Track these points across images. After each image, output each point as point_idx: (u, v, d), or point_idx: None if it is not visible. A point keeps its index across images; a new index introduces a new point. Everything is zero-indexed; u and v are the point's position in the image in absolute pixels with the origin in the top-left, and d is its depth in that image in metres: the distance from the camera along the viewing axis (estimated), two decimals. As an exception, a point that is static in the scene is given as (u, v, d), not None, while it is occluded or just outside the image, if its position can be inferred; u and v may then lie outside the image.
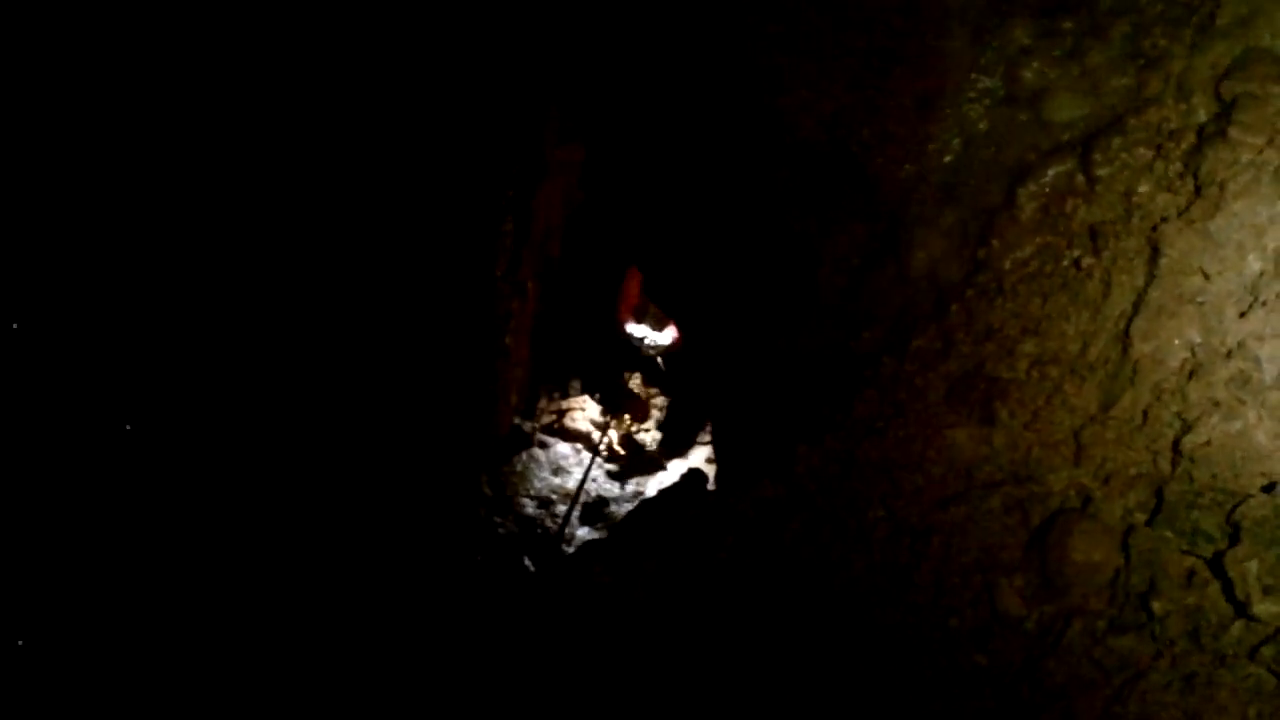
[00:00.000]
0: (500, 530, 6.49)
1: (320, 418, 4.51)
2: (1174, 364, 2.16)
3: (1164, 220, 2.27)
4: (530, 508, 6.61)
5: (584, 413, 8.27)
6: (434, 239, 5.22)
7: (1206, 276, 2.16)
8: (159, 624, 3.39)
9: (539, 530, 6.35)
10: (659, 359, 8.73)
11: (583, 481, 6.73)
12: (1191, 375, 2.12)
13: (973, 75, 2.69)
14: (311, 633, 3.85)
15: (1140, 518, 2.08)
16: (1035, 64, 2.60)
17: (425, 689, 3.71)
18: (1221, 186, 2.16)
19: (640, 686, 2.74)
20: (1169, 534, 1.99)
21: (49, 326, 3.05)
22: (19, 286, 2.98)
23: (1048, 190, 2.54)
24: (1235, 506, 1.91)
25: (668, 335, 8.60)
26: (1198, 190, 2.21)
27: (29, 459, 2.99)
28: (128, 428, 3.35)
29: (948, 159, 2.77)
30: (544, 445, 7.72)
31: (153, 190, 3.39)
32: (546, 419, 8.12)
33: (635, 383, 8.94)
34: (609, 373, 8.78)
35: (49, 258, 3.07)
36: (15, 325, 2.99)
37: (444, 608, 5.00)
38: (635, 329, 8.59)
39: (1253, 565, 1.79)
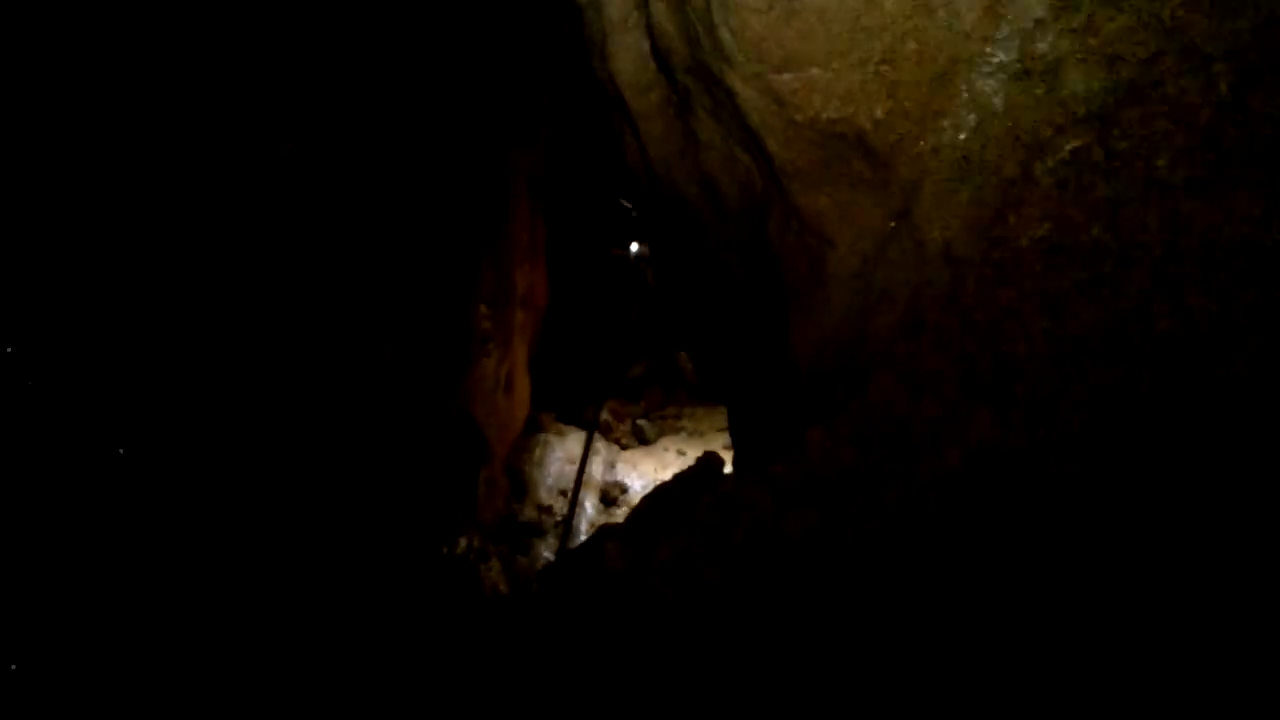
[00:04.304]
0: (519, 518, 6.50)
1: (336, 416, 4.51)
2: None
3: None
4: (545, 496, 6.62)
5: (598, 404, 8.26)
6: (433, 244, 5.22)
7: (1228, 250, 2.11)
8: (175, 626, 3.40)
9: (555, 516, 6.35)
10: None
11: (583, 463, 6.72)
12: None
13: (987, 50, 2.64)
14: (320, 628, 3.86)
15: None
16: (1050, 37, 2.54)
17: (440, 685, 3.70)
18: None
19: (653, 677, 2.72)
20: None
21: (47, 342, 3.04)
22: (17, 302, 2.97)
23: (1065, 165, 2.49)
24: None
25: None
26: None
27: (29, 472, 2.99)
28: (122, 450, 3.33)
29: (963, 135, 2.73)
30: (560, 434, 7.73)
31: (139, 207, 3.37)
32: (562, 410, 8.13)
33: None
34: (621, 361, 8.79)
35: (47, 270, 3.06)
36: (9, 349, 2.98)
37: (461, 599, 5.00)
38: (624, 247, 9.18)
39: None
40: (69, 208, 3.11)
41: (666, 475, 7.09)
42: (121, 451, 3.23)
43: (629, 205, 8.96)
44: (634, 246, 9.42)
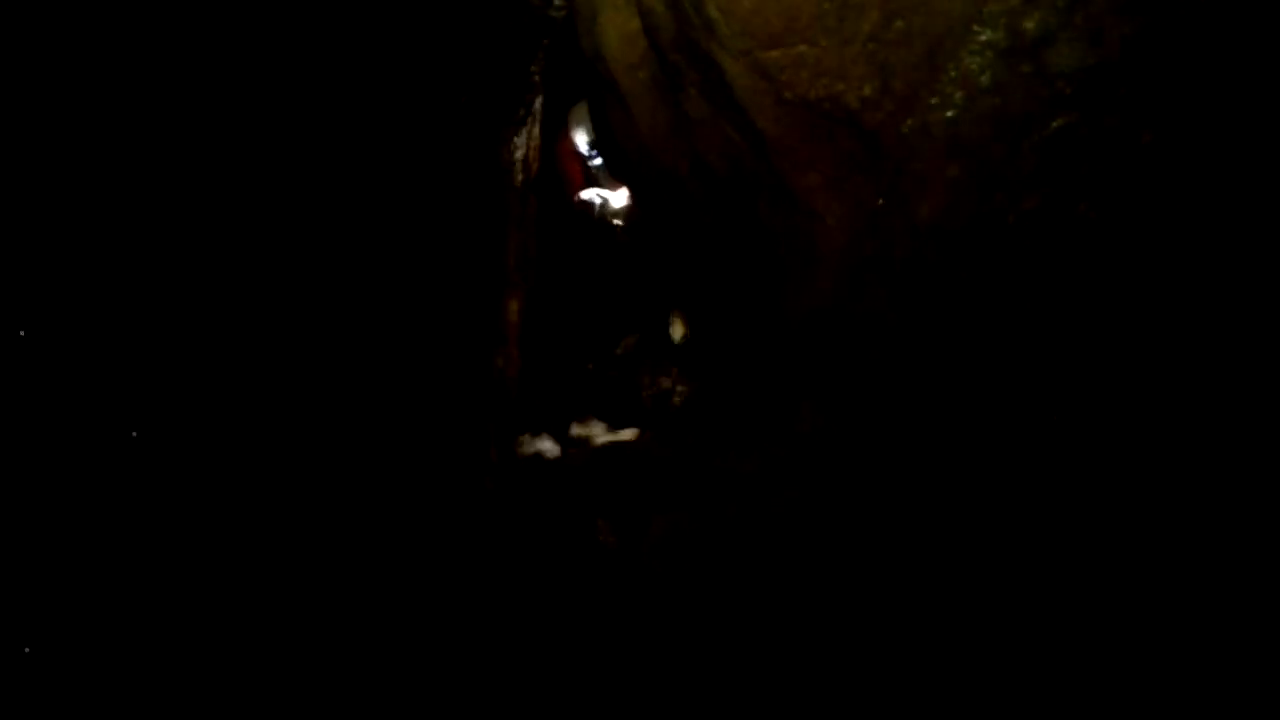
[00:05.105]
0: (510, 496, 6.53)
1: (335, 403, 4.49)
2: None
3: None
4: (539, 472, 6.63)
5: (589, 381, 8.26)
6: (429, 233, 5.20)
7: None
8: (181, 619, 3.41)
9: (547, 494, 6.37)
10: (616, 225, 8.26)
11: (575, 438, 6.73)
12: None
13: (974, 27, 2.65)
14: (320, 616, 3.87)
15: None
16: (1037, 14, 2.55)
17: (439, 673, 3.72)
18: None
19: (650, 659, 2.75)
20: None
21: (51, 330, 3.03)
22: (20, 291, 2.95)
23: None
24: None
25: (621, 197, 8.08)
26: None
27: (32, 464, 2.98)
28: (134, 434, 3.33)
29: (950, 113, 2.74)
30: (549, 424, 7.73)
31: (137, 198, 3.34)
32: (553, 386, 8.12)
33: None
34: (608, 336, 8.74)
35: (48, 263, 3.05)
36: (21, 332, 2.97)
37: (460, 582, 5.01)
38: (588, 194, 8.07)
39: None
40: (69, 186, 3.07)
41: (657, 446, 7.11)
42: (134, 434, 3.22)
43: (586, 153, 7.90)
44: (596, 199, 7.96)
